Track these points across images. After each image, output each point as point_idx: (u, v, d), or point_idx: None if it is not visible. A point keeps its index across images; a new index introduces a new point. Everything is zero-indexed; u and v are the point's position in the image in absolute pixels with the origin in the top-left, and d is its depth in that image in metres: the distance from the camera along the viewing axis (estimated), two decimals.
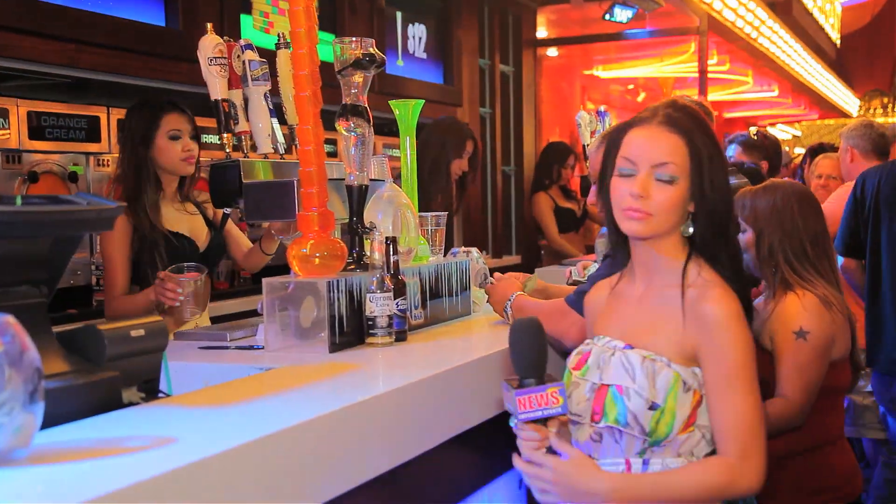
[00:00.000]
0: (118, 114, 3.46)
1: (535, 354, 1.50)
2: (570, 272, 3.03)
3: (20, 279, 1.45)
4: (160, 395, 1.59)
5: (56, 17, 3.22)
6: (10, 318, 1.18)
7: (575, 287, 2.29)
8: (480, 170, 6.35)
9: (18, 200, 1.44)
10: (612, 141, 1.66)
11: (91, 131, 3.50)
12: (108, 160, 3.52)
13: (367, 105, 2.18)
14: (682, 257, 1.64)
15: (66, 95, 3.64)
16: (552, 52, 7.80)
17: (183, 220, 2.81)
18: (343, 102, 2.17)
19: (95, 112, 3.53)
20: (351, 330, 2.02)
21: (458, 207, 4.40)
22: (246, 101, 2.52)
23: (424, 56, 5.71)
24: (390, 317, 2.03)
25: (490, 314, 2.44)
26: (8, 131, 3.23)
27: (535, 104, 7.09)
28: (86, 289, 3.25)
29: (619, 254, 1.73)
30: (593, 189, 2.33)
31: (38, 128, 3.32)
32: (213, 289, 3.91)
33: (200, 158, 2.85)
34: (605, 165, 1.66)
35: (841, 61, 15.21)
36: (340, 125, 2.16)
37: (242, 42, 2.53)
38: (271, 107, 2.56)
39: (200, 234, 2.83)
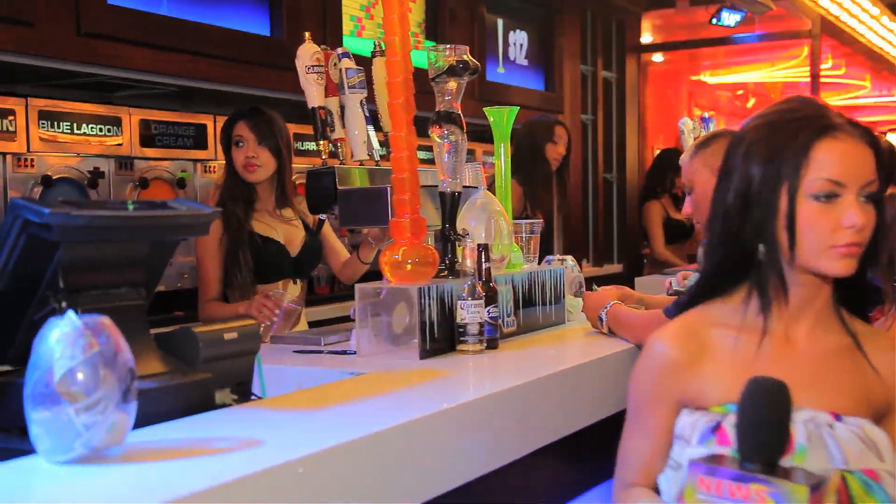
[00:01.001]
0: (224, 121, 3.57)
1: (776, 431, 1.13)
2: (670, 283, 2.96)
3: (120, 281, 1.49)
4: (253, 397, 1.62)
5: (169, 30, 3.34)
6: (105, 320, 1.22)
7: (674, 298, 2.23)
8: (581, 176, 6.31)
9: (130, 205, 1.50)
10: (791, 153, 1.33)
11: (198, 139, 3.61)
12: (213, 167, 3.64)
13: (460, 112, 2.18)
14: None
15: (176, 104, 3.77)
16: (657, 57, 7.66)
17: (277, 225, 2.86)
18: (436, 109, 2.17)
19: (202, 120, 3.64)
20: (442, 336, 2.02)
21: (560, 204, 4.33)
22: (342, 108, 2.55)
23: (525, 63, 5.68)
24: (481, 324, 2.02)
25: (585, 323, 2.40)
26: (121, 138, 3.36)
27: (639, 110, 6.98)
28: (192, 292, 3.34)
29: (722, 284, 1.41)
30: (688, 199, 2.27)
31: (149, 135, 3.45)
32: (313, 293, 4.00)
33: (294, 165, 2.89)
34: (761, 178, 1.34)
35: None
36: (434, 132, 2.17)
37: (339, 50, 2.56)
38: (367, 114, 2.58)
39: (295, 240, 2.87)
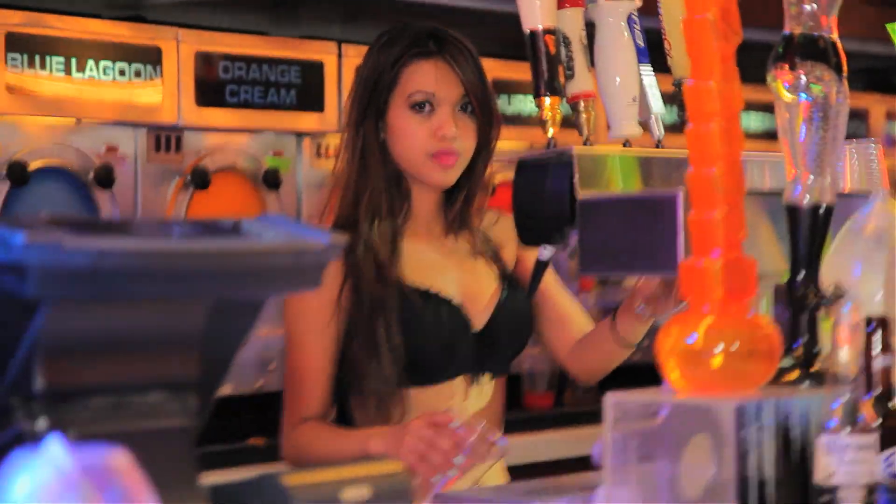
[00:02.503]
0: (357, 56, 3.67)
1: None
2: None
3: (148, 380, 1.56)
4: None
5: None
6: (118, 458, 1.27)
7: None
8: None
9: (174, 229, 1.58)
10: None
11: (307, 90, 3.77)
12: (332, 147, 3.75)
13: (836, 37, 2.18)
14: None
15: (266, 21, 3.93)
16: None
17: (447, 267, 2.94)
18: (785, 31, 2.19)
19: (316, 53, 3.80)
20: None
21: None
22: (590, 30, 2.59)
23: None
24: (872, 487, 2.00)
25: None
26: (160, 89, 3.52)
27: None
28: (278, 399, 3.47)
29: None
30: None
31: (213, 84, 3.61)
32: (519, 407, 3.98)
33: (494, 146, 2.93)
34: None
35: None
36: (778, 77, 2.18)
37: None
38: (641, 43, 2.61)
39: (480, 296, 2.93)
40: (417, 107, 2.86)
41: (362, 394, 2.82)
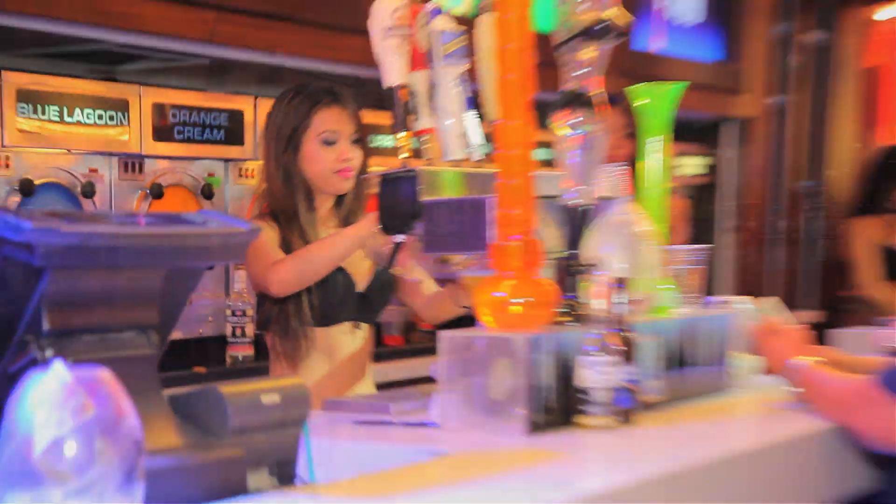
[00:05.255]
0: (268, 106, 3.65)
1: None
2: (882, 336, 2.90)
3: (124, 323, 1.57)
4: (298, 482, 1.67)
5: None
6: (104, 374, 1.26)
7: (891, 360, 2.18)
8: (766, 183, 6.18)
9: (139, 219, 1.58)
10: None
11: (232, 131, 3.72)
12: (252, 170, 3.75)
13: (601, 91, 2.22)
14: None
15: (203, 81, 3.89)
16: (890, 12, 7.51)
17: None
18: (564, 89, 2.22)
19: (238, 104, 3.75)
20: (558, 406, 2.05)
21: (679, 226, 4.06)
22: (433, 87, 2.57)
23: (694, 24, 5.67)
24: (613, 390, 2.04)
25: (759, 392, 2.40)
26: (127, 129, 3.48)
27: (859, 89, 6.81)
28: (218, 341, 3.45)
29: None
30: None
31: (165, 126, 3.56)
32: (382, 345, 4.01)
33: (368, 167, 2.94)
34: None
35: None
36: (557, 119, 2.22)
37: (431, 6, 2.54)
38: (469, 93, 2.59)
39: (361, 269, 2.93)
40: (327, 142, 2.86)
41: (285, 336, 2.83)
